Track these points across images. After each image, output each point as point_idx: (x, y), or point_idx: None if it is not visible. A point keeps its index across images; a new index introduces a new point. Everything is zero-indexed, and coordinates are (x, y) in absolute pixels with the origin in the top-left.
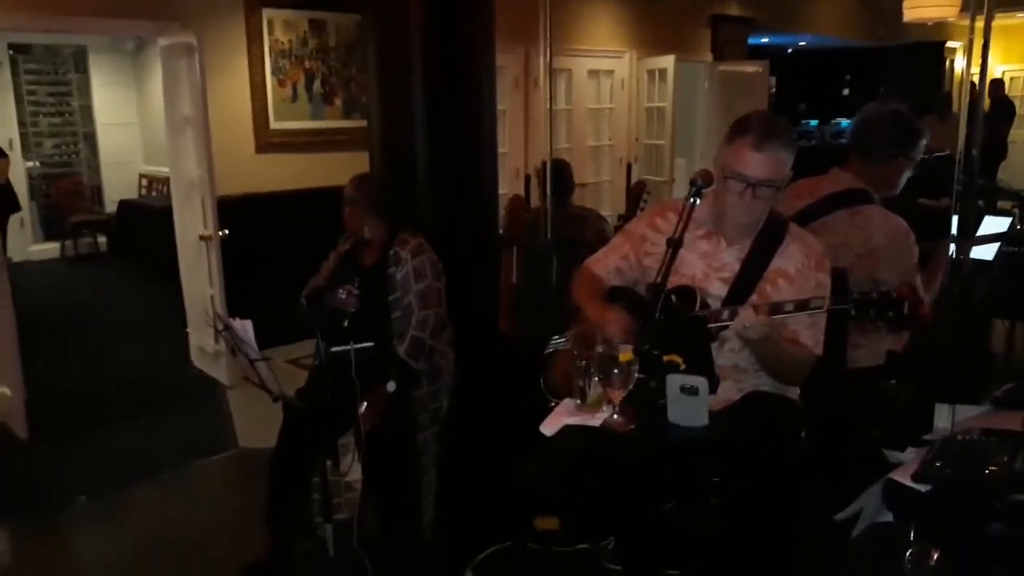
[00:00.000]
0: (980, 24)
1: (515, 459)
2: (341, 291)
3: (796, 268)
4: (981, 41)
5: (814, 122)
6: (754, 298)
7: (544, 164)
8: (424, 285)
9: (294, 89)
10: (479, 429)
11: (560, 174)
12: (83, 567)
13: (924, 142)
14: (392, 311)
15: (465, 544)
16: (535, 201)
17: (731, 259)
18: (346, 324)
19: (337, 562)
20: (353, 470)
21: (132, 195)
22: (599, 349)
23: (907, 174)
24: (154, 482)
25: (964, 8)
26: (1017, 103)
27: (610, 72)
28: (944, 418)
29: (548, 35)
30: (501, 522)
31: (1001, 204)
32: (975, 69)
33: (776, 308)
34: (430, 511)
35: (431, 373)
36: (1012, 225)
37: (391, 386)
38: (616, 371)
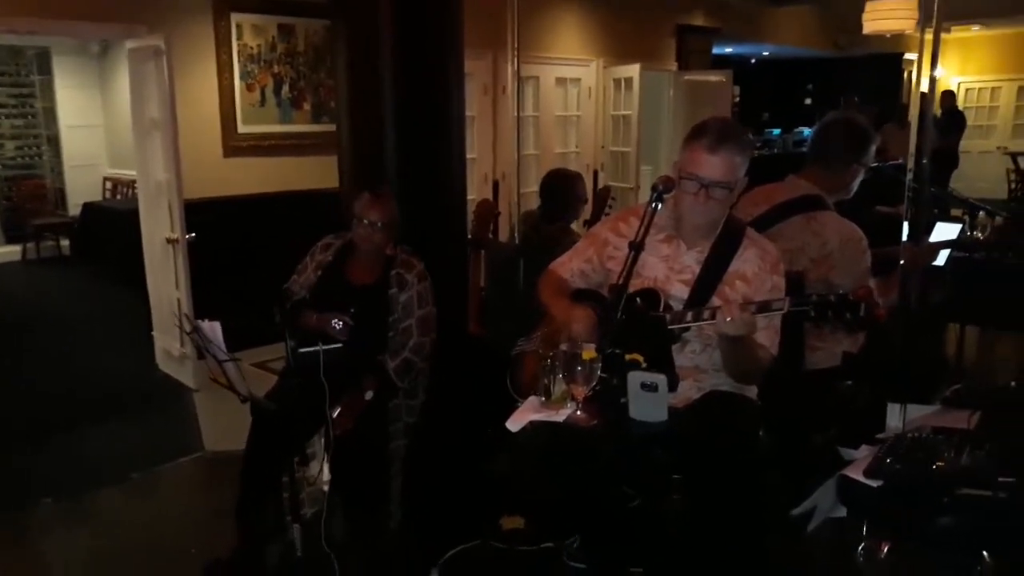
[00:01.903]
0: (929, 36)
1: (483, 459)
2: (336, 321)
3: (753, 271)
4: (930, 52)
5: (776, 131)
6: (715, 300)
7: (548, 175)
8: (425, 311)
9: (262, 93)
10: (447, 429)
11: (556, 190)
12: (48, 570)
13: (874, 147)
14: (388, 330)
15: (432, 543)
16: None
17: (691, 262)
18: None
19: (304, 562)
20: (314, 467)
21: (96, 198)
22: (563, 347)
23: (860, 178)
24: (120, 485)
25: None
26: (974, 114)
27: (577, 80)
28: (896, 417)
29: (516, 43)
30: (468, 521)
31: (955, 212)
32: (925, 79)
33: (746, 306)
34: (397, 516)
35: (410, 390)
36: (962, 231)
37: (369, 395)
38: (579, 368)
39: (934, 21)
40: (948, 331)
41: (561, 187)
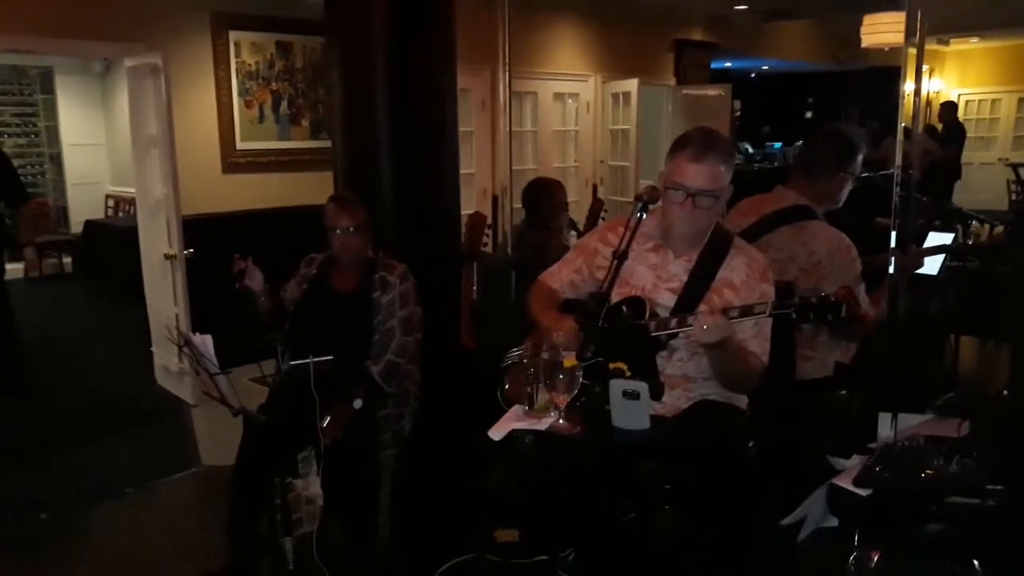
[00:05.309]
0: (912, 50)
1: (475, 471)
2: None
3: (741, 279)
4: (914, 65)
5: (778, 144)
6: (703, 307)
7: (528, 185)
8: (408, 312)
9: (261, 110)
10: (440, 442)
11: (536, 197)
12: None
13: (861, 157)
14: (372, 334)
15: (426, 556)
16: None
17: (679, 270)
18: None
19: None
20: (313, 484)
21: (98, 215)
22: (544, 356)
23: (848, 188)
24: (117, 501)
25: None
26: (975, 126)
27: (575, 95)
28: (887, 427)
29: (507, 57)
30: (462, 534)
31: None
32: (910, 91)
33: (727, 311)
34: (386, 527)
35: (399, 396)
36: (955, 240)
37: (358, 403)
38: (561, 376)
39: (917, 35)
40: (945, 341)
41: (539, 194)
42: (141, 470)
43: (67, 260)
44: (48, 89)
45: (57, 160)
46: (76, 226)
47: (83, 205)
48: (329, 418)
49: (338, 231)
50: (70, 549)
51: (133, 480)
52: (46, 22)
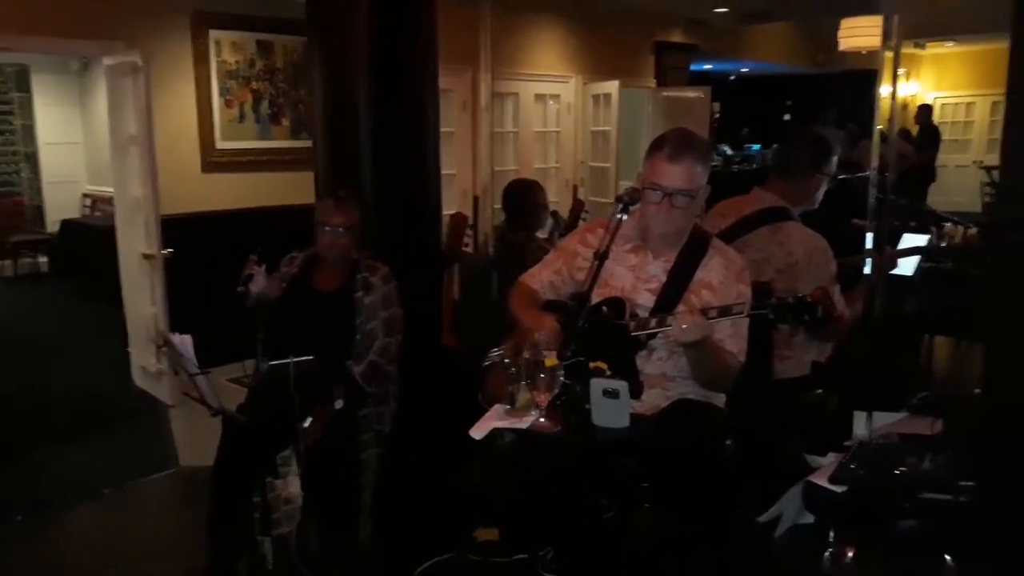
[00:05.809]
0: (889, 54)
1: (455, 470)
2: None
3: (718, 280)
4: (891, 68)
5: (756, 146)
6: (681, 308)
7: (508, 186)
8: (390, 313)
9: (241, 109)
10: (420, 441)
11: (516, 198)
12: None
13: (836, 158)
14: (354, 334)
15: (406, 556)
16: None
17: (658, 271)
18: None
19: None
20: (292, 484)
21: (75, 215)
22: (526, 355)
23: (823, 189)
24: (94, 501)
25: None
26: (950, 128)
27: (556, 96)
28: (862, 425)
29: (490, 59)
30: (442, 533)
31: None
32: (887, 95)
33: (706, 311)
34: (367, 528)
35: (379, 396)
36: (930, 241)
37: (339, 403)
38: (542, 375)
39: (894, 38)
40: (919, 341)
41: (521, 196)
42: (119, 471)
43: (43, 260)
44: (24, 87)
45: (33, 159)
46: (52, 225)
47: (59, 204)
48: (311, 419)
49: (328, 228)
50: (46, 550)
51: (111, 481)
52: (22, 19)
